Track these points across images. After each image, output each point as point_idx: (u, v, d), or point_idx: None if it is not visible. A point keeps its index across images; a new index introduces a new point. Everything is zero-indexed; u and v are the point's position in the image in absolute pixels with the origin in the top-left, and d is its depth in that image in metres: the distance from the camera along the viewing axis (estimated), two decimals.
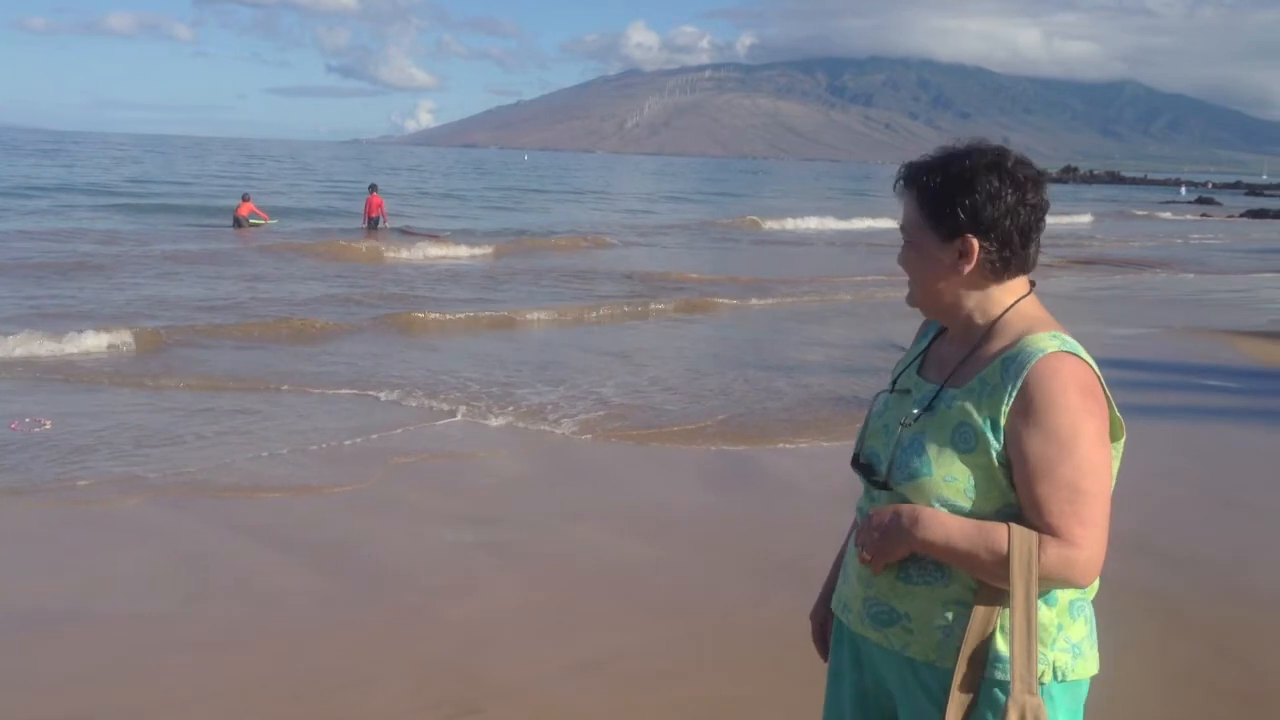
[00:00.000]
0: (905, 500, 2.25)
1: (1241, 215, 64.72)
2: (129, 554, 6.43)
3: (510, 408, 9.90)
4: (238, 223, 30.67)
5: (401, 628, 5.44)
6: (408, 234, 30.42)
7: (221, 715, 4.56)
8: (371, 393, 10.39)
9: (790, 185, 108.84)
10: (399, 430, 9.10)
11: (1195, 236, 43.98)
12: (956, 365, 2.29)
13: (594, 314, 16.71)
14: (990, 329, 2.26)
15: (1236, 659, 5.17)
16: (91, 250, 23.20)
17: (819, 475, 8.23)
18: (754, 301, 18.90)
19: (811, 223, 43.53)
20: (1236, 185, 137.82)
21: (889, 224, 44.51)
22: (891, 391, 2.43)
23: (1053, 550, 2.06)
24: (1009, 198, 2.20)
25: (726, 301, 18.56)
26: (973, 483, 2.17)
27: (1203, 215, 65.30)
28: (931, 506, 2.20)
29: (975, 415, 2.17)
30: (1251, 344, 14.42)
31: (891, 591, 2.28)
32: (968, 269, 2.25)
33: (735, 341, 14.98)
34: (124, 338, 12.55)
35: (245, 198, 32.30)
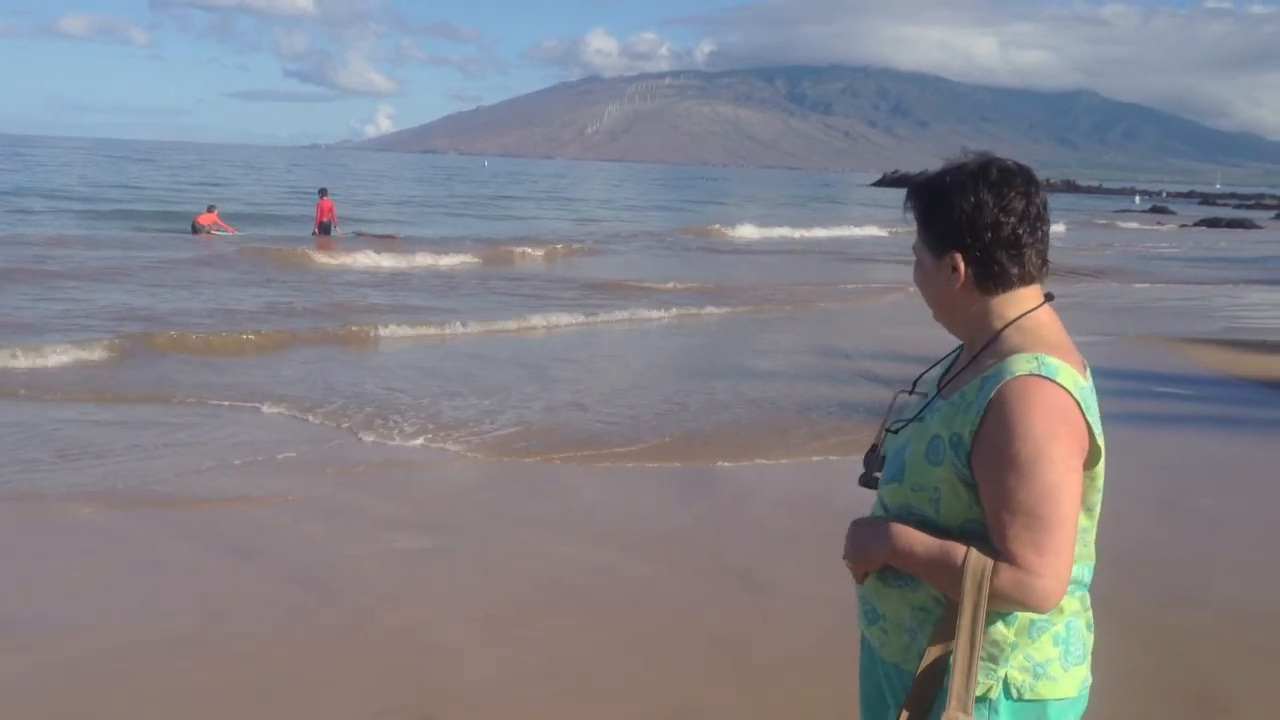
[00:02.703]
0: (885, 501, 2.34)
1: (1195, 224, 65.40)
2: (75, 562, 6.35)
3: (442, 422, 9.71)
4: (195, 229, 30.34)
5: (354, 635, 5.42)
6: (361, 237, 30.23)
7: None
8: (303, 406, 10.17)
9: (753, 192, 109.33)
10: (333, 443, 8.99)
11: (1149, 245, 44.40)
12: (953, 377, 2.31)
13: (547, 323, 16.55)
14: (989, 344, 2.24)
15: (1188, 663, 5.19)
16: (37, 255, 22.86)
17: (769, 486, 8.26)
18: (711, 309, 18.88)
19: (777, 231, 43.58)
20: (1190, 194, 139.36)
21: (852, 232, 44.99)
22: (911, 393, 2.45)
23: (1007, 575, 2.06)
24: (989, 210, 2.19)
25: (689, 311, 18.52)
26: (939, 495, 2.19)
27: (1158, 224, 65.93)
28: (903, 513, 2.26)
29: (946, 430, 2.18)
30: (1204, 351, 14.54)
31: (874, 592, 2.35)
32: (959, 284, 2.25)
33: (692, 351, 14.96)
34: (61, 350, 12.21)
35: (210, 208, 31.91)
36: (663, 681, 4.98)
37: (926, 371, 2.47)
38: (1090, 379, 2.24)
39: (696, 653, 5.29)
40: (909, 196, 2.34)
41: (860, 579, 2.36)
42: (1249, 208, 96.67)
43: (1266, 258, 37.46)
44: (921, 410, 2.33)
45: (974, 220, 2.19)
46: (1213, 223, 65.98)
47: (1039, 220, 2.23)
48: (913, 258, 2.40)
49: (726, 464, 8.71)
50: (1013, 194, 2.20)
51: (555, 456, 8.79)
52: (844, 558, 2.37)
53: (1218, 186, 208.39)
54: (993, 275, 2.22)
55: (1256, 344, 15.42)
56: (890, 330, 16.59)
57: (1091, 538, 2.26)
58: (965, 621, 2.09)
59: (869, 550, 2.29)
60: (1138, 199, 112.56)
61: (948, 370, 2.39)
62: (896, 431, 2.38)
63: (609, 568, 6.46)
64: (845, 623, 5.69)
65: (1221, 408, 11.36)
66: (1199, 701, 4.83)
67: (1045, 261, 2.27)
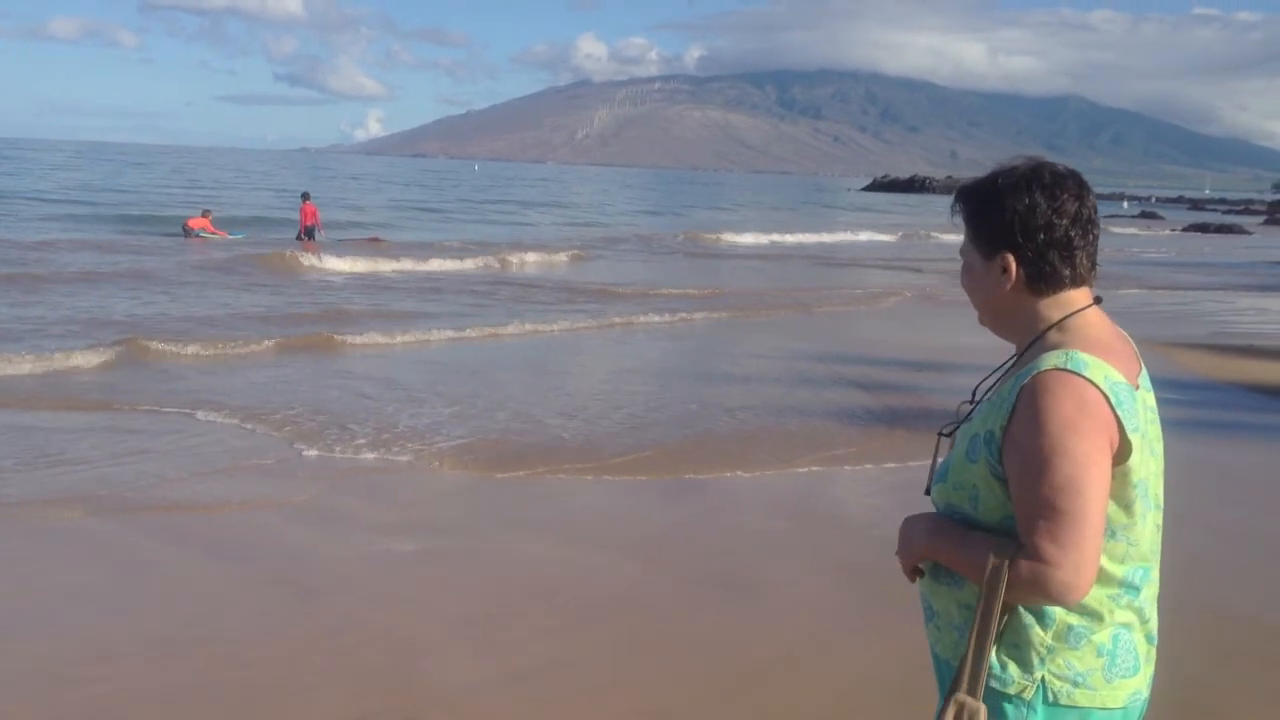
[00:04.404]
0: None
1: (1184, 229, 65.58)
2: (58, 566, 6.33)
3: (405, 431, 9.59)
4: (186, 232, 30.23)
5: (338, 638, 5.40)
6: (346, 242, 30.12)
7: None
8: (277, 413, 10.03)
9: (745, 197, 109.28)
10: (310, 449, 8.90)
11: (1138, 250, 44.46)
12: (1000, 378, 2.34)
13: (530, 329, 16.46)
14: (1033, 344, 2.27)
15: (1173, 667, 5.13)
16: (20, 258, 22.65)
17: (751, 495, 8.23)
18: (702, 315, 18.83)
19: (769, 236, 43.52)
20: (1179, 199, 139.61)
21: (849, 238, 44.95)
22: (971, 402, 2.45)
23: (1025, 567, 2.09)
24: (1043, 212, 2.21)
25: (680, 316, 18.41)
26: (978, 492, 2.24)
27: (1147, 229, 66.08)
28: (948, 512, 2.32)
29: (983, 427, 2.23)
30: (1191, 356, 14.53)
31: (929, 589, 2.40)
32: (1009, 285, 2.28)
33: (678, 358, 14.97)
34: (33, 358, 11.96)
35: (205, 212, 31.74)
36: (647, 685, 4.98)
37: (985, 379, 2.45)
38: (1143, 381, 2.28)
39: (681, 656, 5.28)
40: (957, 199, 2.37)
41: (910, 575, 2.41)
42: (1238, 213, 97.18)
43: (1254, 263, 37.57)
44: (971, 413, 2.36)
45: (1027, 221, 2.22)
46: (1201, 228, 66.17)
47: (1090, 223, 2.26)
48: (959, 262, 2.42)
49: (706, 476, 8.60)
50: (1065, 196, 2.22)
51: (537, 469, 8.71)
52: (896, 553, 2.42)
53: (1207, 192, 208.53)
54: (1044, 276, 2.25)
55: (1244, 349, 15.44)
56: (886, 337, 16.57)
57: (1138, 536, 2.26)
58: (979, 610, 2.13)
59: (910, 544, 2.36)
60: (1126, 204, 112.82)
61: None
62: (950, 435, 2.42)
63: (597, 571, 6.46)
64: (830, 626, 5.73)
65: (1208, 412, 11.35)
66: (1187, 704, 4.80)
67: (1095, 264, 2.30)
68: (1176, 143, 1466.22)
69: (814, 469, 8.72)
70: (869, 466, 8.69)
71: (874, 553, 6.84)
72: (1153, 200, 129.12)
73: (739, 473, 8.65)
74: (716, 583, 6.29)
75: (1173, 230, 65.34)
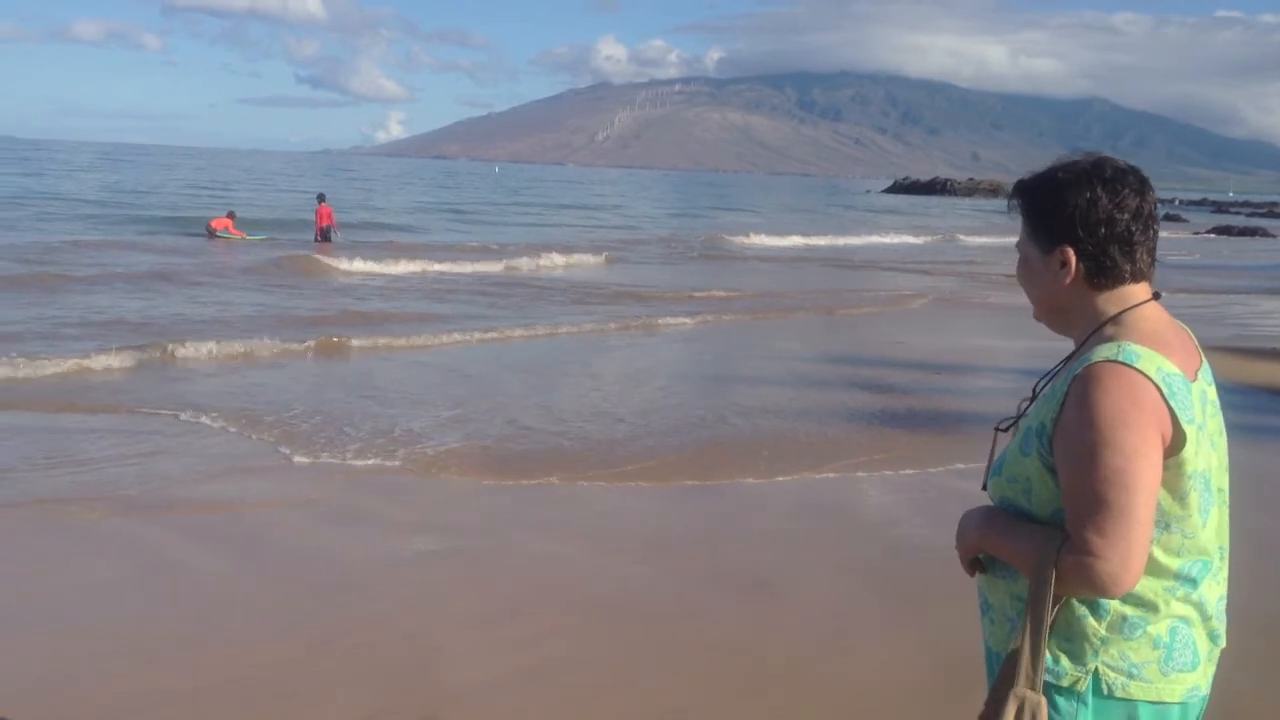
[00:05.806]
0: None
1: (1208, 232, 65.16)
2: (75, 565, 6.35)
3: (418, 434, 9.61)
4: (210, 233, 30.40)
5: (353, 636, 5.42)
6: (362, 244, 30.20)
7: None
8: (289, 416, 10.03)
9: (767, 199, 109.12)
10: (320, 451, 8.90)
11: (1161, 252, 43.96)
12: (1054, 372, 2.35)
13: (544, 331, 16.47)
14: (1089, 338, 2.27)
15: None
16: (41, 260, 22.66)
17: (766, 499, 8.20)
18: (718, 318, 18.84)
19: (789, 239, 43.20)
20: (1203, 202, 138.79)
21: (878, 240, 44.80)
22: (1031, 398, 2.45)
23: (1069, 558, 2.09)
24: (1104, 206, 2.22)
25: (701, 318, 18.40)
26: (1030, 485, 2.24)
27: (1171, 232, 65.68)
28: (1003, 505, 2.33)
29: (1036, 420, 2.23)
30: (1213, 358, 14.15)
31: (985, 583, 2.41)
32: (1068, 279, 2.28)
33: (695, 361, 14.99)
34: (47, 360, 11.90)
35: (230, 214, 31.88)
36: (661, 684, 4.98)
37: (1044, 376, 2.44)
38: (1204, 375, 2.31)
39: (696, 656, 5.28)
40: (1015, 193, 2.38)
41: (968, 569, 2.41)
42: (1262, 215, 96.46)
43: (1279, 265, 37.31)
44: (1028, 408, 2.36)
45: (1088, 215, 2.23)
46: (1225, 230, 65.78)
47: (1151, 219, 2.28)
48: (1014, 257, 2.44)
49: (722, 481, 8.56)
50: (1126, 191, 2.24)
51: (550, 473, 8.70)
52: (956, 546, 2.43)
53: (1231, 194, 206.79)
54: (1104, 270, 2.25)
55: (1267, 352, 15.33)
56: (908, 339, 16.52)
57: (1194, 529, 2.22)
58: (1030, 601, 2.13)
59: (965, 536, 2.38)
60: None
61: None
62: (1007, 430, 2.42)
63: (607, 572, 6.47)
64: (845, 627, 5.71)
65: (1230, 415, 11.23)
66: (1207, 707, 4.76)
67: (1154, 260, 2.31)
68: (1199, 145, 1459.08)
69: (831, 475, 8.68)
70: (888, 473, 8.65)
71: (890, 556, 6.84)
72: (1176, 203, 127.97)
73: (750, 479, 8.62)
74: (732, 584, 6.29)
75: (1196, 233, 64.90)
